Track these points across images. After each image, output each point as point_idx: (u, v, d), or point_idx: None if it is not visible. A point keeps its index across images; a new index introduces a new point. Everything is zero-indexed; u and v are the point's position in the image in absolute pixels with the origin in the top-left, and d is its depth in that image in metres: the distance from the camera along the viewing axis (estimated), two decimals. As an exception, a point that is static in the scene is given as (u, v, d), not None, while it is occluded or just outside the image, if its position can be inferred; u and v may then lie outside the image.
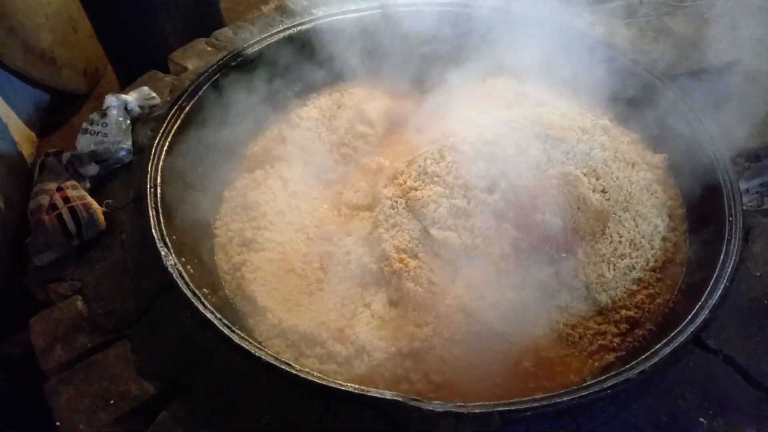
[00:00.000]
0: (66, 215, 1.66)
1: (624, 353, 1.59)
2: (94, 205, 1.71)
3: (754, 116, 2.11)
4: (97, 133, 1.88)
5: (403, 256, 1.74)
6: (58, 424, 1.38)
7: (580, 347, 1.63)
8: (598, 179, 1.78)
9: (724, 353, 1.40)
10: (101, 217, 1.70)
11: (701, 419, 1.31)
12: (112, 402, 1.40)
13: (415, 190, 1.84)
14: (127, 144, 1.90)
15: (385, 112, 2.25)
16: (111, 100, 1.97)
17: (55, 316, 1.57)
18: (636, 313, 1.64)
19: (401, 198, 1.85)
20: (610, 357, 1.60)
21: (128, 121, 1.95)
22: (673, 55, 2.21)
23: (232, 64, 2.12)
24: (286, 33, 2.23)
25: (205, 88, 2.02)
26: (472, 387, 1.55)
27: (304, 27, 2.28)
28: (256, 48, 2.18)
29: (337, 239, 1.87)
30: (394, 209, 1.83)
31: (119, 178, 1.86)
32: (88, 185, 1.81)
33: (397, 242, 1.77)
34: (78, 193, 1.72)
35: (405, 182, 1.88)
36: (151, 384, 1.42)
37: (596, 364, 1.58)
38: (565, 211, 1.73)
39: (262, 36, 2.22)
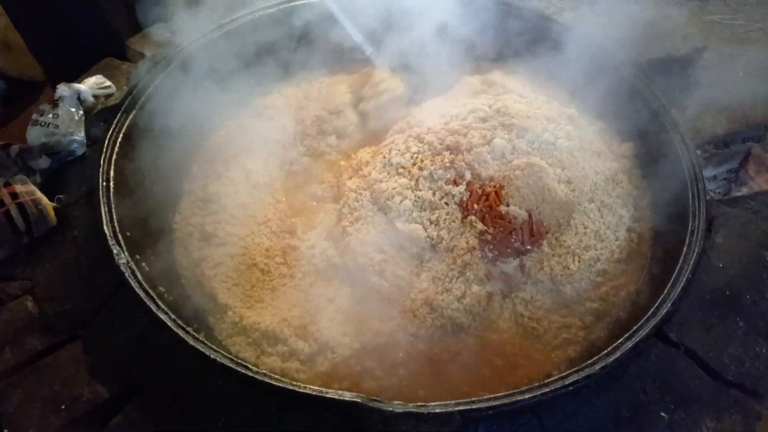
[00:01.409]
0: (14, 212, 1.59)
1: (588, 346, 1.58)
2: (44, 200, 1.64)
3: (722, 103, 2.11)
4: (48, 125, 1.80)
5: (368, 249, 1.70)
6: (5, 431, 1.33)
7: (544, 341, 1.62)
8: (563, 169, 1.76)
9: (686, 346, 1.40)
10: (51, 213, 1.64)
11: (662, 413, 1.31)
12: (63, 407, 1.36)
13: (380, 182, 1.80)
14: (80, 136, 1.82)
15: (352, 103, 2.20)
16: (63, 89, 1.88)
17: (3, 317, 1.51)
18: (600, 305, 1.63)
19: (366, 190, 1.81)
20: (574, 350, 1.59)
21: (81, 112, 1.88)
22: (641, 41, 2.19)
23: (192, 50, 2.05)
24: (252, 16, 2.14)
25: (162, 75, 1.95)
26: (436, 383, 1.53)
27: (271, 10, 2.20)
28: (217, 33, 2.10)
29: (301, 233, 1.82)
30: (358, 202, 1.79)
31: (71, 172, 1.79)
32: (38, 179, 1.74)
33: (362, 235, 1.73)
34: (27, 188, 1.65)
35: (369, 174, 1.84)
36: (104, 387, 1.38)
37: (560, 357, 1.57)
38: (530, 202, 1.71)
39: (224, 21, 2.14)
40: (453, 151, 1.82)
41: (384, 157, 1.86)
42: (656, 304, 1.41)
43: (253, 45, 2.17)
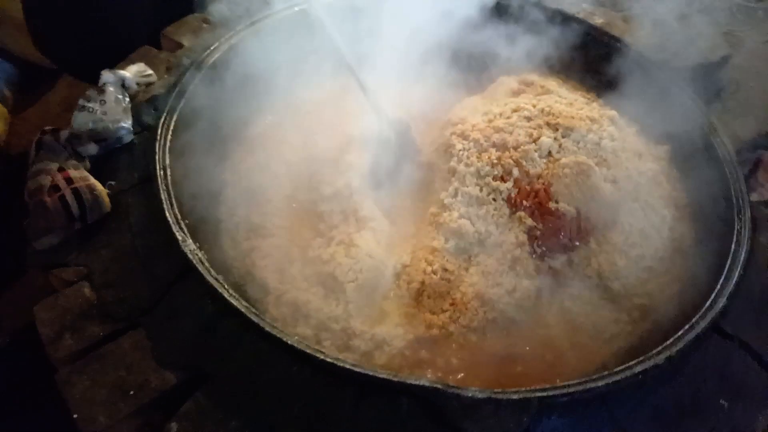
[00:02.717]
0: (69, 197, 1.57)
1: (635, 341, 1.63)
2: (99, 186, 1.62)
3: (735, 110, 2.19)
4: (95, 111, 1.78)
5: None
6: (75, 416, 1.31)
7: (592, 335, 1.66)
8: (609, 169, 1.80)
9: (740, 339, 1.45)
10: (106, 200, 1.62)
11: (722, 401, 1.36)
12: (131, 393, 1.34)
13: (426, 177, 1.83)
14: (128, 123, 1.81)
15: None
16: (108, 76, 1.87)
17: (61, 304, 1.48)
18: (647, 301, 1.68)
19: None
20: (622, 344, 1.63)
21: (127, 99, 1.86)
22: (670, 48, 2.26)
23: (234, 42, 2.05)
24: (296, 8, 2.15)
25: (207, 66, 1.95)
26: (491, 374, 1.56)
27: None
28: (259, 24, 2.10)
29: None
30: (405, 196, 1.82)
31: (119, 159, 1.78)
32: (88, 166, 1.72)
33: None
34: (81, 173, 1.63)
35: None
36: (171, 373, 1.37)
37: (609, 351, 1.62)
38: (578, 200, 1.75)
39: (264, 13, 2.14)
40: (499, 149, 1.85)
41: (429, 155, 1.89)
42: (712, 297, 1.46)
43: (294, 39, 2.17)
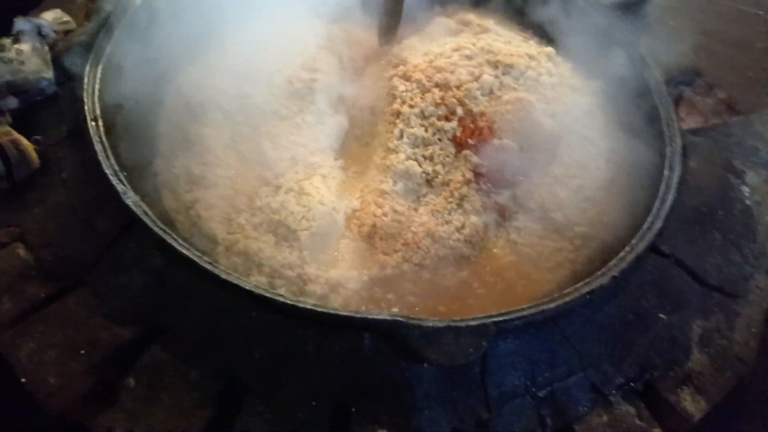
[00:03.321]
0: (-8, 154, 1.47)
1: (579, 266, 1.71)
2: (24, 141, 1.52)
3: (659, 49, 2.27)
4: (12, 61, 1.65)
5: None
6: (23, 380, 1.26)
7: (538, 264, 1.72)
8: (548, 104, 1.85)
9: (675, 257, 1.55)
10: (34, 155, 1.52)
11: (661, 315, 1.45)
12: (82, 351, 1.30)
13: (371, 122, 1.81)
14: (49, 73, 1.69)
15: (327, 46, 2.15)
16: (23, 23, 1.73)
17: (-6, 266, 1.40)
18: (588, 229, 1.75)
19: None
20: (567, 270, 1.70)
21: (46, 48, 1.73)
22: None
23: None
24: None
25: (132, 10, 1.83)
26: (447, 307, 1.60)
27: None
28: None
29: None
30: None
31: (43, 112, 1.66)
32: (9, 120, 1.60)
33: (356, 173, 1.75)
34: (3, 129, 1.52)
35: (359, 113, 1.84)
36: (123, 329, 1.33)
37: (556, 277, 1.69)
38: (520, 135, 1.79)
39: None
40: (442, 88, 1.85)
41: (372, 96, 1.87)
42: (650, 221, 1.54)
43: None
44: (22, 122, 1.63)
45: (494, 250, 1.75)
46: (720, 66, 2.78)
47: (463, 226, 1.71)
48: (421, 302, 1.60)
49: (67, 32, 1.87)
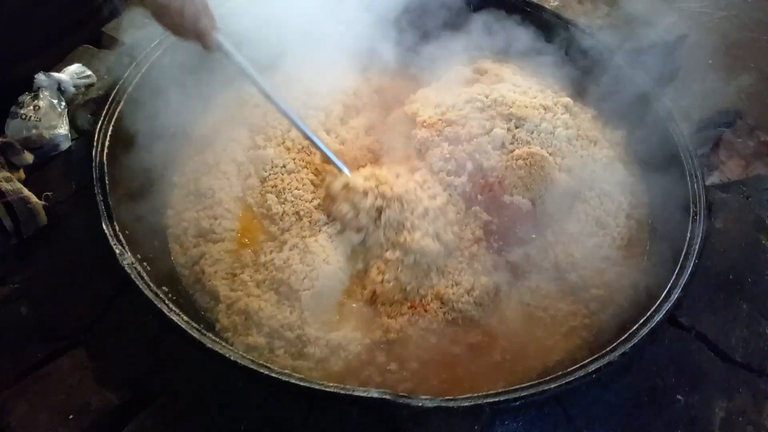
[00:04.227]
0: (1, 211, 1.50)
1: (595, 332, 1.61)
2: (33, 198, 1.55)
3: (695, 90, 2.17)
4: (29, 118, 1.70)
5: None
6: (11, 445, 1.26)
7: (552, 329, 1.63)
8: (563, 158, 1.77)
9: (696, 330, 1.44)
10: (42, 213, 1.55)
11: (678, 396, 1.35)
12: (71, 416, 1.29)
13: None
14: (64, 129, 1.73)
15: (337, 91, 2.15)
16: (42, 79, 1.78)
17: (-4, 324, 1.42)
18: (605, 291, 1.66)
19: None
20: (582, 336, 1.61)
21: (63, 103, 1.78)
22: (625, 29, 2.23)
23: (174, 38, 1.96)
24: (237, 1, 2.06)
25: (148, 65, 1.86)
26: (451, 375, 1.53)
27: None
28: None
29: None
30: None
31: (57, 168, 1.70)
32: (22, 176, 1.64)
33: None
34: (13, 186, 1.55)
35: (365, 168, 1.81)
36: (113, 394, 1.32)
37: (569, 344, 1.60)
38: (533, 191, 1.73)
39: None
40: (452, 143, 1.81)
41: (380, 151, 1.84)
42: (667, 289, 1.44)
43: (237, 32, 2.08)
44: (36, 178, 1.67)
45: (506, 313, 1.66)
46: (763, 106, 2.66)
47: (473, 288, 1.64)
48: (425, 369, 1.53)
49: (88, 86, 1.92)
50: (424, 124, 1.88)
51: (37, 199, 1.56)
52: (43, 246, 1.54)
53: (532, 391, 1.24)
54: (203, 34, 1.47)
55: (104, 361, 1.36)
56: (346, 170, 1.72)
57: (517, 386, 1.26)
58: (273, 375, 1.23)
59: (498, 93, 1.89)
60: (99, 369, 1.35)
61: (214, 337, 1.31)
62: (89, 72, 1.92)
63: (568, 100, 1.93)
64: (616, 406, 1.32)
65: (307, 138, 1.69)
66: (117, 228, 1.48)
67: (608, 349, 1.34)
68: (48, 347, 1.40)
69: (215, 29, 1.50)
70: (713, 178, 2.39)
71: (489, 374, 1.53)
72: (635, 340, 1.34)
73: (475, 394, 1.23)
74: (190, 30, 1.45)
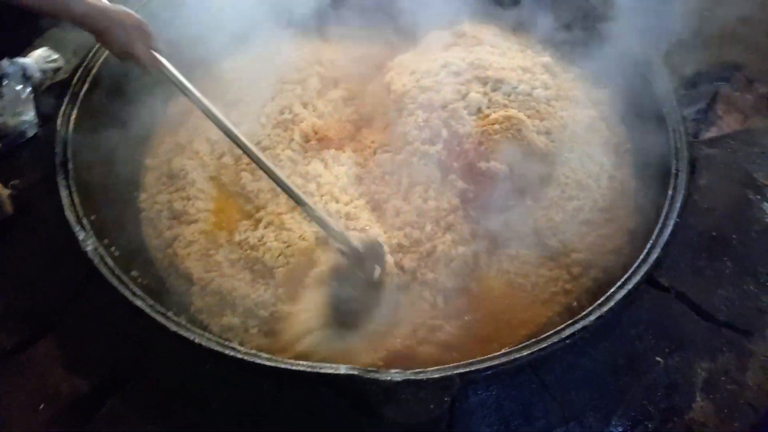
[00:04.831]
0: (-34, 202, 1.48)
1: (577, 297, 1.57)
2: (-2, 188, 1.53)
3: (690, 42, 2.09)
4: (-7, 106, 1.67)
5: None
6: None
7: (533, 295, 1.59)
8: (542, 120, 1.71)
9: (677, 290, 1.40)
10: (7, 203, 1.53)
11: (658, 359, 1.31)
12: (42, 406, 1.28)
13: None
14: (30, 116, 1.71)
15: (313, 63, 2.09)
16: (6, 65, 1.75)
17: (-34, 315, 1.41)
18: (587, 255, 1.61)
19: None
20: (565, 302, 1.57)
21: (29, 89, 1.75)
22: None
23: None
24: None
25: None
26: (435, 348, 1.49)
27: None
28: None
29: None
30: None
31: (24, 155, 1.68)
32: (-12, 166, 1.62)
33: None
34: (-23, 176, 1.53)
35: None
36: (83, 380, 1.31)
37: (552, 310, 1.56)
38: (510, 156, 1.67)
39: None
40: (426, 110, 1.75)
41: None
42: (646, 250, 1.39)
43: (209, 8, 2.03)
44: (3, 165, 1.65)
45: (487, 281, 1.63)
46: (762, 58, 2.56)
47: (451, 260, 1.60)
48: (407, 345, 1.50)
49: (56, 71, 1.89)
50: (398, 92, 1.82)
51: (2, 189, 1.54)
52: (12, 235, 1.52)
53: (503, 359, 1.20)
54: (137, 57, 1.38)
55: (74, 348, 1.36)
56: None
57: (488, 356, 1.22)
58: (239, 356, 1.21)
59: (475, 56, 1.83)
60: (68, 356, 1.35)
61: (179, 320, 1.29)
62: (56, 55, 1.89)
63: (548, 59, 1.86)
64: (593, 372, 1.29)
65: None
66: (81, 213, 1.45)
67: (584, 313, 1.30)
68: (18, 336, 1.39)
69: (152, 51, 1.41)
70: (710, 134, 2.32)
71: (474, 345, 1.50)
72: (611, 303, 1.29)
73: (445, 366, 1.20)
74: (123, 53, 1.37)
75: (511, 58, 1.85)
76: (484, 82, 1.77)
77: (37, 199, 1.57)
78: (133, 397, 1.28)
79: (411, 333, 1.51)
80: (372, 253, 1.48)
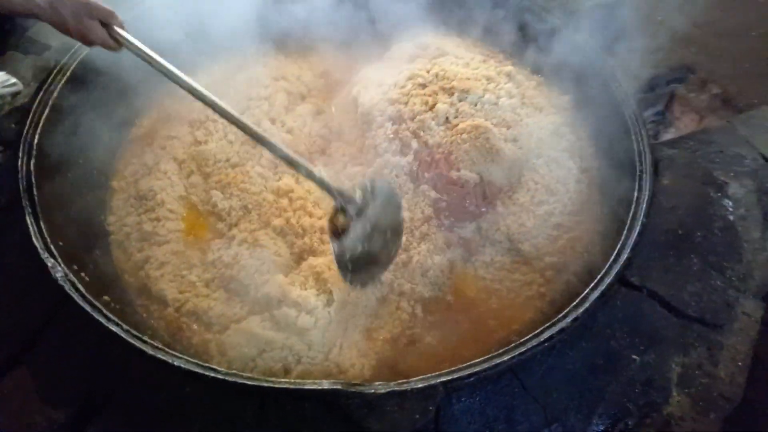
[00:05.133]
0: (-76, 234, 1.43)
1: (551, 300, 1.60)
2: (-42, 218, 1.48)
3: (645, 47, 2.15)
4: (-50, 133, 1.62)
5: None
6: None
7: (508, 300, 1.62)
8: (508, 128, 1.75)
9: (648, 288, 1.43)
10: (-31, 232, 1.48)
11: (634, 356, 1.34)
12: (16, 440, 1.24)
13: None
14: (-12, 142, 1.65)
15: (284, 87, 2.09)
16: (-39, 91, 1.70)
17: (-72, 351, 1.36)
18: (559, 258, 1.64)
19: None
20: (540, 305, 1.60)
21: (-14, 115, 1.70)
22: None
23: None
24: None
25: (74, 66, 1.78)
26: (415, 358, 1.50)
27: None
28: (129, 14, 1.92)
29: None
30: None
31: (-17, 183, 1.63)
32: (-53, 195, 1.57)
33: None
34: (-65, 206, 1.48)
35: (312, 153, 1.77)
36: (60, 411, 1.27)
37: (527, 314, 1.58)
38: (479, 164, 1.70)
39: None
40: (396, 122, 1.77)
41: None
42: (616, 251, 1.42)
43: (172, 22, 2.00)
44: (-37, 194, 1.60)
45: (462, 289, 1.64)
46: (714, 59, 2.64)
47: (427, 270, 1.61)
48: (387, 357, 1.50)
49: (14, 95, 1.84)
50: (366, 105, 1.83)
51: (-37, 218, 1.49)
52: (-25, 265, 1.47)
53: (485, 365, 1.22)
54: (88, 33, 1.34)
55: (47, 378, 1.32)
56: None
57: (469, 362, 1.23)
58: (219, 377, 1.19)
59: (439, 67, 1.86)
60: (42, 387, 1.31)
61: (156, 344, 1.26)
62: (14, 80, 1.84)
63: (510, 68, 1.90)
64: (572, 372, 1.31)
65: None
66: (48, 240, 1.41)
67: (560, 316, 1.32)
68: (-13, 370, 1.34)
69: (110, 26, 1.38)
70: (669, 135, 2.39)
71: (453, 353, 1.51)
72: (586, 304, 1.32)
73: (428, 375, 1.21)
74: (76, 32, 1.34)
75: (475, 69, 1.89)
76: (450, 92, 1.79)
77: (1, 227, 1.52)
78: (113, 423, 1.25)
79: (392, 343, 1.51)
80: (383, 195, 1.49)
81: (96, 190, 1.76)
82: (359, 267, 1.46)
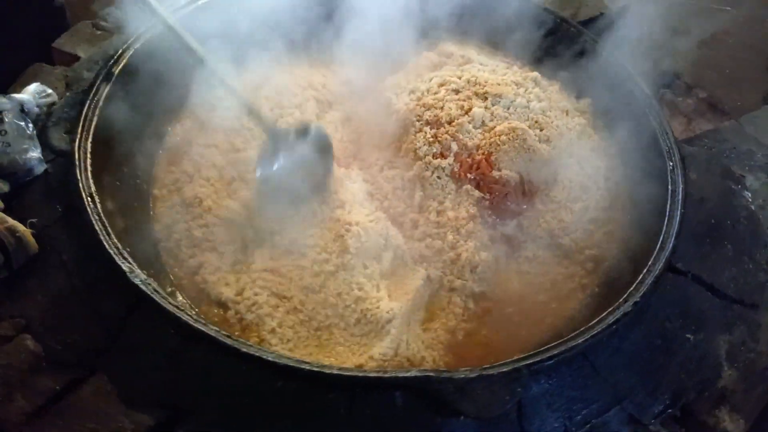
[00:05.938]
0: (-13, 244, 1.42)
1: (594, 290, 1.69)
2: (20, 227, 1.46)
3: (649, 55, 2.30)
4: (-3, 144, 1.60)
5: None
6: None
7: (553, 292, 1.71)
8: (541, 130, 1.84)
9: (692, 273, 1.54)
10: (32, 240, 1.47)
11: (688, 335, 1.44)
12: (106, 443, 1.24)
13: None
14: (36, 152, 1.64)
15: (307, 87, 2.14)
16: (3, 102, 1.68)
17: (2, 362, 1.34)
18: (598, 251, 1.75)
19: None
20: (583, 296, 1.69)
21: (31, 125, 1.69)
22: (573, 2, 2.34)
23: (138, 46, 1.89)
24: (200, 2, 2.01)
25: (115, 77, 1.78)
26: (474, 352, 1.57)
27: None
28: (159, 28, 1.95)
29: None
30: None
31: (35, 193, 1.61)
32: (1, 205, 1.55)
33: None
34: (-3, 216, 1.47)
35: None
36: (145, 415, 1.28)
37: (574, 304, 1.67)
38: (518, 164, 1.78)
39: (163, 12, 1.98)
40: (433, 126, 1.84)
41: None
42: (660, 239, 1.53)
43: (202, 33, 2.03)
44: (13, 205, 1.58)
45: (507, 284, 1.73)
46: (697, 65, 2.81)
47: (476, 266, 1.68)
48: (446, 350, 1.56)
49: (50, 105, 1.83)
50: (402, 110, 1.90)
51: (23, 227, 1.48)
52: (38, 275, 1.46)
53: (562, 348, 1.30)
54: None
55: (128, 384, 1.32)
56: None
57: (547, 346, 1.31)
58: (314, 369, 1.23)
59: (470, 73, 1.94)
60: (124, 392, 1.31)
61: (243, 341, 1.29)
62: (50, 90, 1.83)
63: (536, 74, 2.01)
64: (634, 353, 1.40)
65: None
66: (120, 246, 1.42)
67: (620, 300, 1.41)
68: (63, 379, 1.33)
69: None
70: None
71: (509, 345, 1.58)
72: (643, 288, 1.42)
73: (512, 359, 1.28)
74: None
75: (502, 75, 1.98)
76: (483, 97, 1.88)
77: (59, 237, 1.51)
78: (200, 425, 1.26)
79: (452, 335, 1.58)
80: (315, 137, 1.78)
81: (140, 199, 1.77)
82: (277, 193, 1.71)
